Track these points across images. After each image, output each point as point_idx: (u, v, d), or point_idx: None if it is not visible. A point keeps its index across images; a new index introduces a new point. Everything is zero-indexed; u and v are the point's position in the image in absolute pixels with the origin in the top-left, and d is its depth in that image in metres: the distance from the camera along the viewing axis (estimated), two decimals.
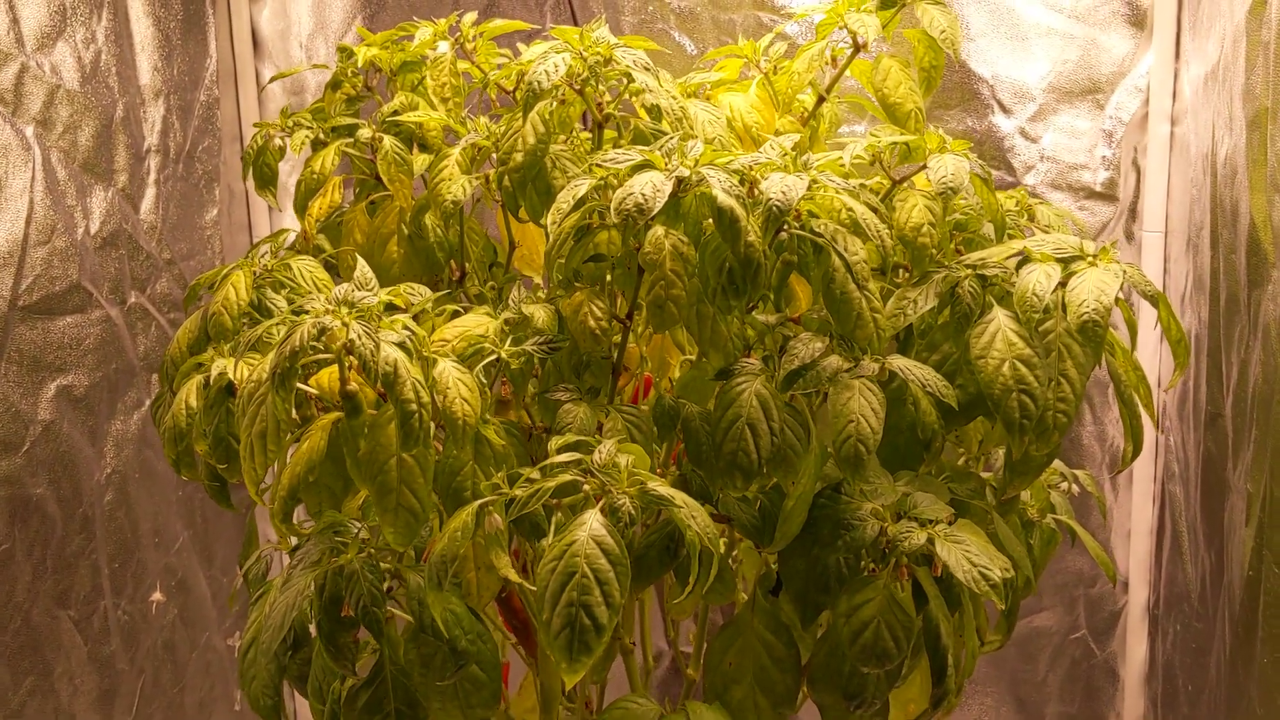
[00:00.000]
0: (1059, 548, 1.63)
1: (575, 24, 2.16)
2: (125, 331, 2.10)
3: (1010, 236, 1.43)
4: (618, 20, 2.15)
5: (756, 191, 1.19)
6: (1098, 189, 2.10)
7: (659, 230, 1.16)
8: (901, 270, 1.37)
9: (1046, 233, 1.54)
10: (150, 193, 2.16)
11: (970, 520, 1.38)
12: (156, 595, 2.21)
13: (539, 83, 1.21)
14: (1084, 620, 2.27)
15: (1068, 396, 1.24)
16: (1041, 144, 2.10)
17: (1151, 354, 2.10)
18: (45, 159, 1.89)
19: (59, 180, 1.93)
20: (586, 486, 1.00)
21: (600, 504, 0.98)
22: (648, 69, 1.24)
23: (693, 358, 1.52)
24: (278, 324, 1.11)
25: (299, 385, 1.20)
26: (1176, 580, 2.03)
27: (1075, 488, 1.71)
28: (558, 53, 1.24)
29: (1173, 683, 2.04)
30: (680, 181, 1.14)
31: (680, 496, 1.00)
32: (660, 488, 1.00)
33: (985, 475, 1.59)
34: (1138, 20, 2.06)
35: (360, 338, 1.02)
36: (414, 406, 1.03)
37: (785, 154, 1.18)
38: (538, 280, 1.65)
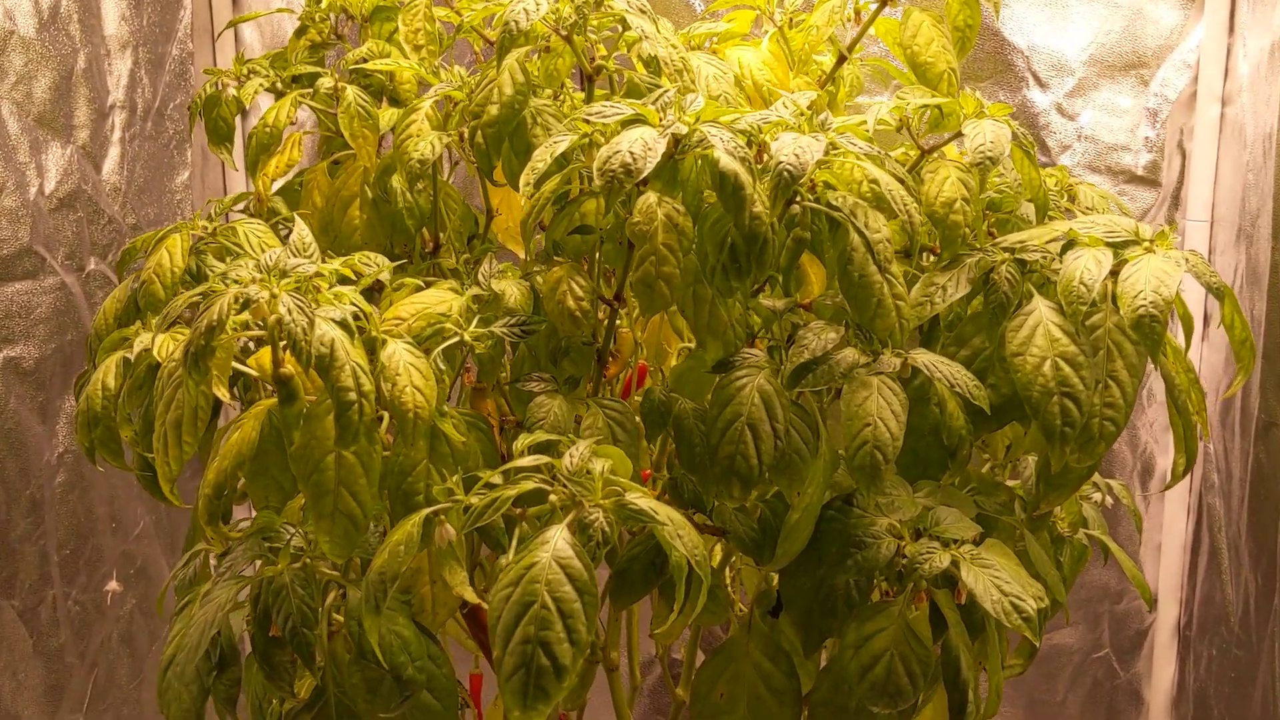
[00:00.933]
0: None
1: None
2: (83, 300, 1.94)
3: (1051, 219, 1.26)
4: None
5: (766, 157, 1.03)
6: (1139, 172, 1.93)
7: (651, 197, 0.99)
8: (928, 254, 1.20)
9: (1090, 215, 1.37)
10: (114, 152, 2.00)
11: (998, 538, 1.22)
12: (112, 584, 2.06)
13: (516, 22, 1.04)
14: (1108, 638, 2.11)
15: (1117, 402, 1.08)
16: (1079, 122, 1.93)
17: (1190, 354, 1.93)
18: None
19: (10, 134, 1.77)
20: (553, 497, 0.84)
21: (568, 518, 0.82)
22: (644, 12, 1.08)
23: (692, 345, 1.36)
24: (208, 288, 0.95)
25: (238, 366, 1.05)
26: (1214, 600, 1.87)
27: (1109, 499, 1.55)
28: None
29: (1206, 711, 1.88)
30: (677, 141, 0.98)
31: (664, 511, 0.84)
32: (640, 500, 0.84)
33: (1012, 483, 1.43)
34: None
35: (290, 313, 0.86)
36: (353, 396, 0.87)
37: (800, 113, 1.02)
38: (520, 254, 1.49)
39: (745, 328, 1.13)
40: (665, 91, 1.01)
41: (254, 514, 1.26)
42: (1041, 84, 1.92)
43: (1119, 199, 1.39)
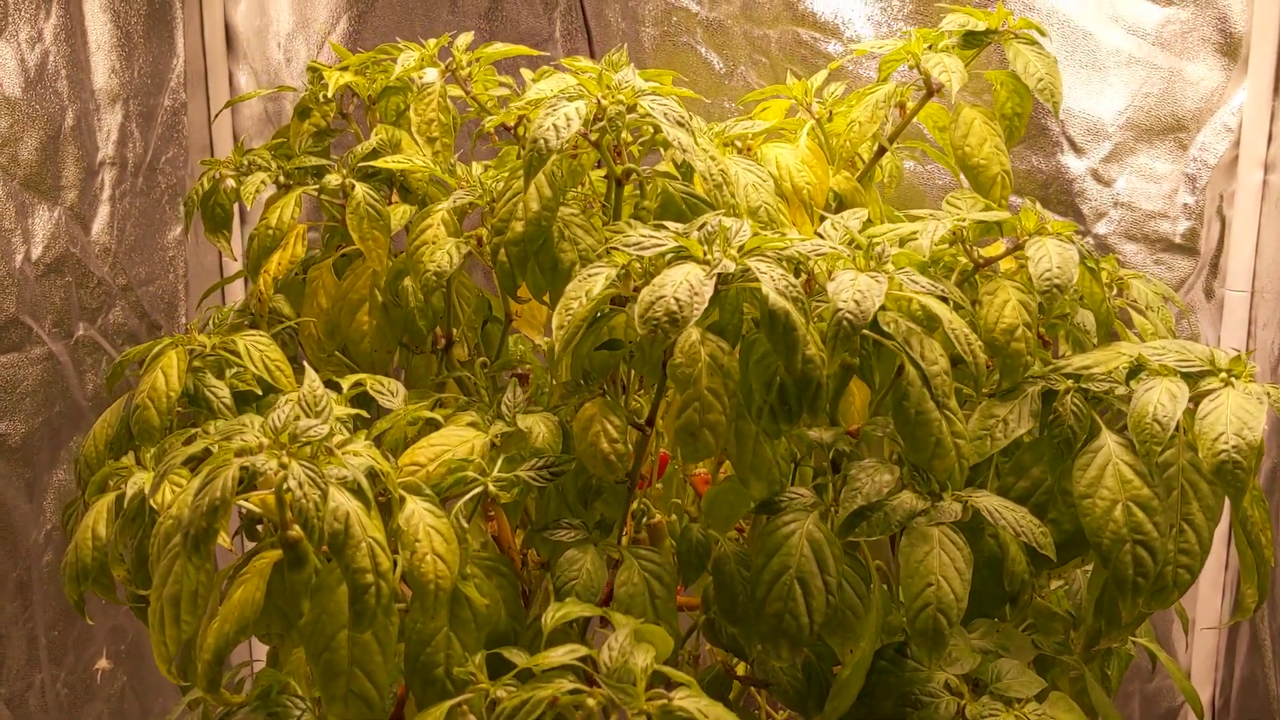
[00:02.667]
0: None
1: (588, 32, 1.90)
2: (71, 369, 1.85)
3: (1114, 335, 1.18)
4: (637, 32, 1.89)
5: (815, 286, 0.94)
6: (1177, 240, 1.85)
7: (693, 335, 0.91)
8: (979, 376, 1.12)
9: (1143, 315, 1.29)
10: (104, 210, 1.91)
11: (1055, 676, 1.14)
12: (103, 662, 1.97)
13: (546, 141, 0.95)
14: (1138, 716, 2.03)
15: (1192, 548, 1.00)
16: (1115, 188, 1.84)
17: None
18: None
19: None
20: (591, 701, 0.76)
21: None
22: (681, 123, 0.99)
23: None
24: (210, 443, 0.86)
25: (240, 502, 0.96)
26: (1254, 691, 1.79)
27: None
28: (570, 100, 0.99)
29: None
30: (722, 276, 0.89)
31: (714, 714, 0.76)
32: (688, 701, 0.76)
33: (1056, 585, 1.34)
34: (1230, 49, 1.80)
35: (302, 486, 0.77)
36: (370, 578, 0.79)
37: (852, 240, 0.93)
38: (539, 341, 1.40)
39: (790, 459, 1.05)
40: (708, 220, 0.93)
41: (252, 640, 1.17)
42: (1076, 148, 1.83)
43: (1170, 290, 1.31)
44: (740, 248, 0.91)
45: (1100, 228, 1.85)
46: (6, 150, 1.70)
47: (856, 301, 0.87)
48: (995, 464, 1.11)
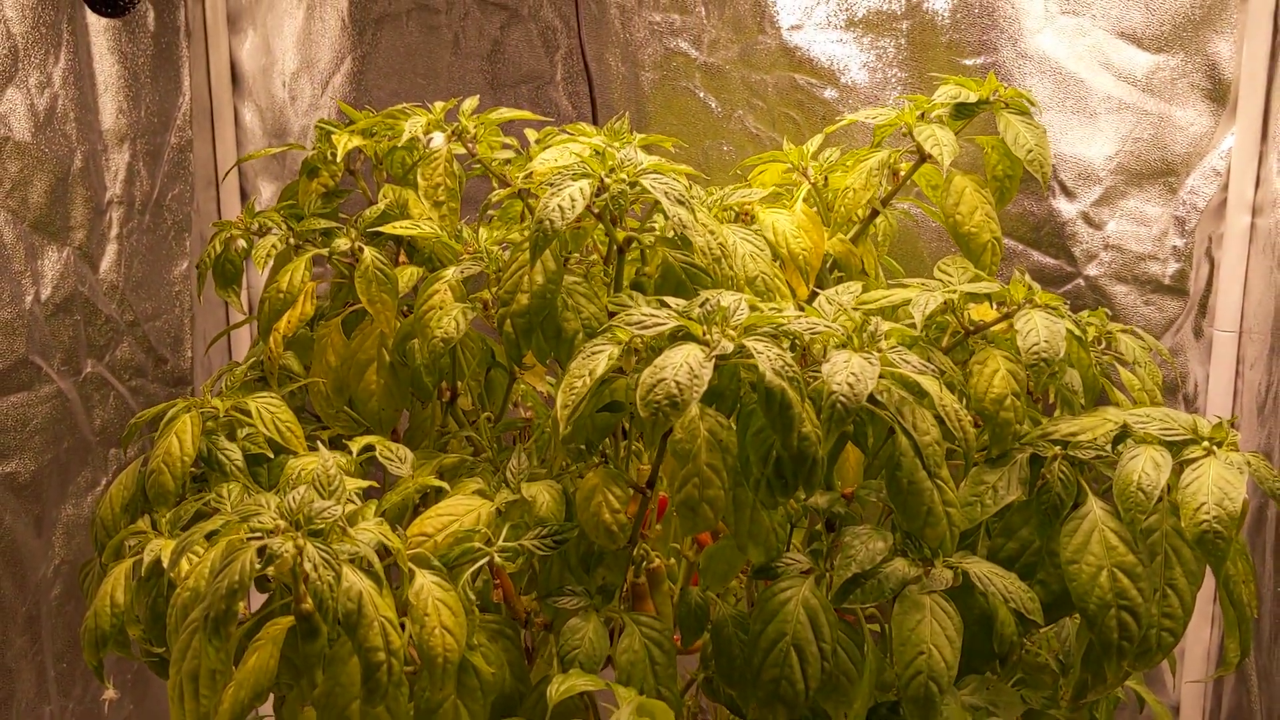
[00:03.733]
0: None
1: (588, 75, 1.93)
2: (79, 405, 1.88)
3: (1102, 396, 1.21)
4: (636, 76, 1.93)
5: (809, 358, 0.98)
6: (1166, 281, 1.88)
7: (692, 409, 0.94)
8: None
9: (1132, 370, 1.32)
10: (111, 249, 1.94)
11: None
12: (110, 692, 2.00)
13: (552, 222, 0.99)
14: None
15: (1175, 612, 1.03)
16: (1106, 230, 1.88)
17: None
18: None
19: (5, 244, 1.72)
20: None
21: None
22: (680, 201, 1.02)
23: None
24: (227, 519, 0.89)
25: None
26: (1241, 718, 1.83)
27: None
28: (574, 179, 1.02)
29: None
30: (720, 356, 0.93)
31: None
32: None
33: (1047, 629, 1.37)
34: (1218, 95, 1.83)
35: (317, 569, 0.80)
36: (381, 656, 0.82)
37: (846, 318, 0.96)
38: (541, 388, 1.43)
39: (786, 524, 1.08)
40: (707, 299, 0.96)
41: None
42: (1068, 192, 1.87)
43: (1159, 345, 1.34)
44: (738, 326, 0.95)
45: (1091, 269, 1.89)
46: (16, 194, 1.73)
47: (850, 385, 0.90)
48: (986, 525, 1.14)
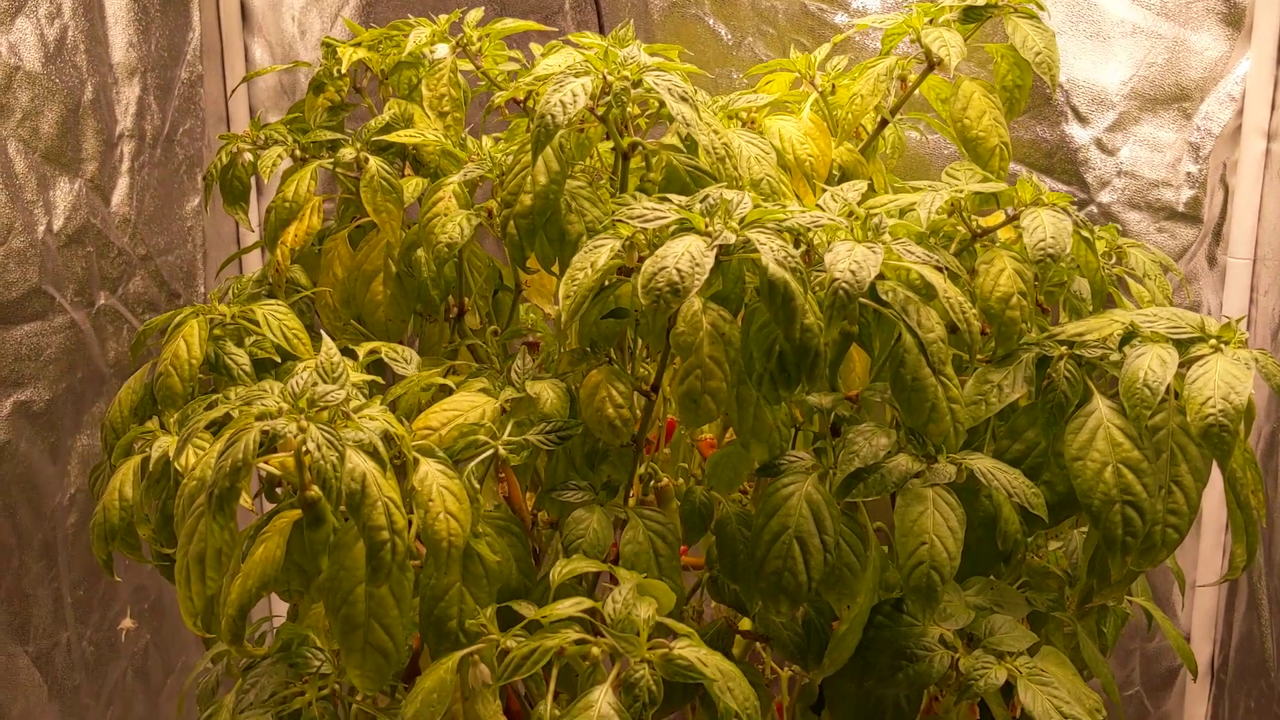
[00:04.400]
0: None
1: (597, 4, 1.92)
2: (93, 337, 1.89)
3: (1107, 299, 1.20)
4: (646, 4, 1.91)
5: (814, 256, 0.97)
6: (1180, 209, 1.87)
7: (695, 304, 0.94)
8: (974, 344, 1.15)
9: (1141, 283, 1.32)
10: (123, 182, 1.94)
11: (1049, 632, 1.17)
12: (127, 621, 2.02)
13: (553, 116, 0.98)
14: (1138, 676, 2.07)
15: (1180, 509, 1.03)
16: (1119, 157, 1.86)
17: None
18: (1, 150, 1.68)
19: (17, 174, 1.72)
20: (595, 650, 0.79)
21: (612, 677, 0.78)
22: (685, 98, 1.02)
23: None
24: (231, 409, 0.90)
25: (260, 465, 1.00)
26: (1252, 648, 1.83)
27: None
28: (577, 76, 1.02)
29: None
30: (723, 248, 0.93)
31: (713, 663, 0.80)
32: (688, 650, 0.79)
33: (1053, 546, 1.38)
34: (1234, 19, 1.81)
35: (320, 449, 0.81)
36: (385, 535, 0.82)
37: (851, 211, 0.96)
38: (548, 310, 1.43)
39: (790, 424, 1.08)
40: (711, 193, 0.96)
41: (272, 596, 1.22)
42: (1081, 118, 1.85)
43: (1170, 260, 1.34)
44: (741, 219, 0.94)
45: (1104, 196, 1.87)
46: (27, 124, 1.74)
47: (853, 271, 0.90)
48: (991, 428, 1.14)
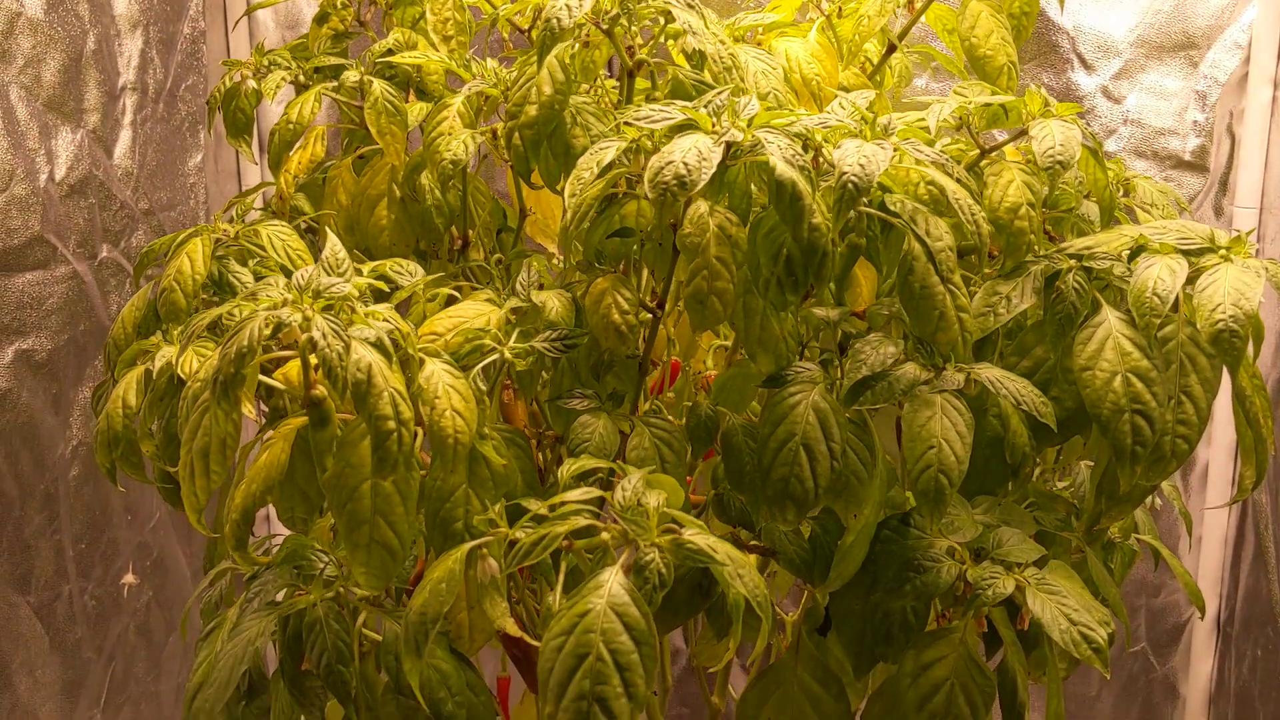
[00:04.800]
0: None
1: None
2: (95, 289, 1.89)
3: (1115, 221, 1.20)
4: None
5: (822, 161, 0.97)
6: (1186, 157, 1.86)
7: (702, 206, 0.93)
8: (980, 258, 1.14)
9: (1148, 212, 1.31)
10: (125, 135, 1.94)
11: (1056, 553, 1.16)
12: (129, 577, 2.02)
13: (558, 20, 0.98)
14: (1145, 632, 2.07)
15: (1190, 419, 1.02)
16: (1126, 105, 1.85)
17: None
18: (3, 96, 1.68)
19: (19, 120, 1.72)
20: (605, 535, 0.79)
21: (623, 560, 0.77)
22: (690, 6, 1.01)
23: (727, 343, 1.31)
24: (234, 307, 0.90)
25: (263, 379, 0.99)
26: (1258, 599, 1.82)
27: (1158, 501, 1.50)
28: None
29: (1250, 713, 1.83)
30: (730, 147, 0.92)
31: (723, 549, 0.79)
32: (698, 537, 0.79)
33: (1061, 484, 1.37)
34: None
35: (325, 337, 0.80)
36: (391, 425, 0.82)
37: (860, 115, 0.95)
38: (552, 250, 1.43)
39: (796, 339, 1.08)
40: (718, 94, 0.95)
41: (274, 523, 1.21)
42: (1087, 66, 1.84)
43: (1177, 194, 1.33)
44: (749, 120, 0.94)
45: (1110, 145, 1.87)
46: (29, 71, 1.73)
47: (861, 165, 0.89)
48: (999, 346, 1.14)
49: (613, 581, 0.75)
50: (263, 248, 1.16)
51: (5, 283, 1.71)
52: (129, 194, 1.95)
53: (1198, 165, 1.86)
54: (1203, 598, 1.47)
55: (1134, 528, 1.43)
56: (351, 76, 1.21)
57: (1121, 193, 1.32)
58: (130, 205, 1.95)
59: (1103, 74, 1.85)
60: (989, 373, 1.01)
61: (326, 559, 0.95)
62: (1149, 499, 1.49)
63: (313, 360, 0.88)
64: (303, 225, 1.26)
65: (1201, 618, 1.74)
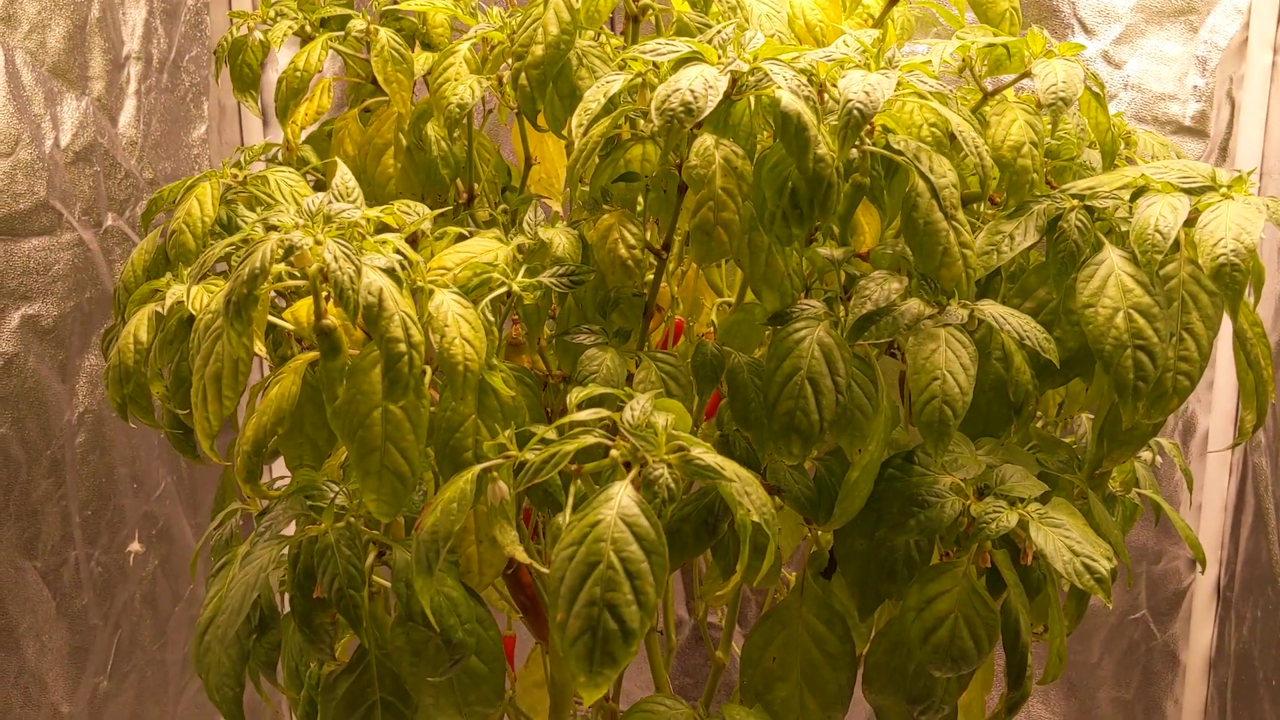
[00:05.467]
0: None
1: None
2: (101, 257, 1.90)
3: (1117, 166, 1.21)
4: None
5: (827, 98, 0.98)
6: (1186, 123, 1.87)
7: (707, 139, 0.94)
8: (986, 203, 1.15)
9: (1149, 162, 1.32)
10: (130, 104, 1.95)
11: (1061, 494, 1.17)
12: (134, 545, 2.03)
13: None
14: (1145, 599, 2.08)
15: (1191, 356, 1.03)
16: (1126, 70, 1.86)
17: None
18: (9, 60, 1.68)
19: (24, 85, 1.72)
20: (615, 452, 0.80)
21: (632, 475, 0.78)
22: None
23: (730, 300, 1.31)
24: (247, 234, 0.90)
25: (272, 319, 1.00)
26: (1258, 561, 1.83)
27: (1159, 459, 1.51)
28: None
29: (1250, 673, 1.84)
30: (735, 79, 0.93)
31: (730, 467, 0.80)
32: (706, 455, 0.80)
33: (1069, 439, 1.38)
34: None
35: (337, 260, 0.81)
36: (403, 348, 0.83)
37: (865, 50, 0.96)
38: (556, 207, 1.44)
39: (801, 279, 1.09)
40: (724, 27, 0.96)
41: (277, 474, 1.22)
42: (1087, 30, 1.85)
43: (1181, 149, 1.34)
44: (754, 54, 0.95)
45: (1111, 109, 1.87)
46: (35, 36, 1.74)
47: (866, 93, 0.90)
48: (1002, 290, 1.15)
49: (622, 494, 0.76)
50: (271, 194, 1.17)
51: (12, 247, 1.72)
52: (133, 163, 1.95)
53: (1198, 130, 1.87)
54: (1202, 549, 1.48)
55: (1135, 482, 1.44)
56: (358, 25, 1.22)
57: (1122, 145, 1.33)
58: (135, 174, 1.96)
59: (1103, 39, 1.86)
60: (992, 309, 1.02)
61: (336, 488, 0.96)
62: (1152, 456, 1.50)
63: (323, 290, 0.89)
64: (310, 179, 1.27)
65: (1203, 572, 1.75)
